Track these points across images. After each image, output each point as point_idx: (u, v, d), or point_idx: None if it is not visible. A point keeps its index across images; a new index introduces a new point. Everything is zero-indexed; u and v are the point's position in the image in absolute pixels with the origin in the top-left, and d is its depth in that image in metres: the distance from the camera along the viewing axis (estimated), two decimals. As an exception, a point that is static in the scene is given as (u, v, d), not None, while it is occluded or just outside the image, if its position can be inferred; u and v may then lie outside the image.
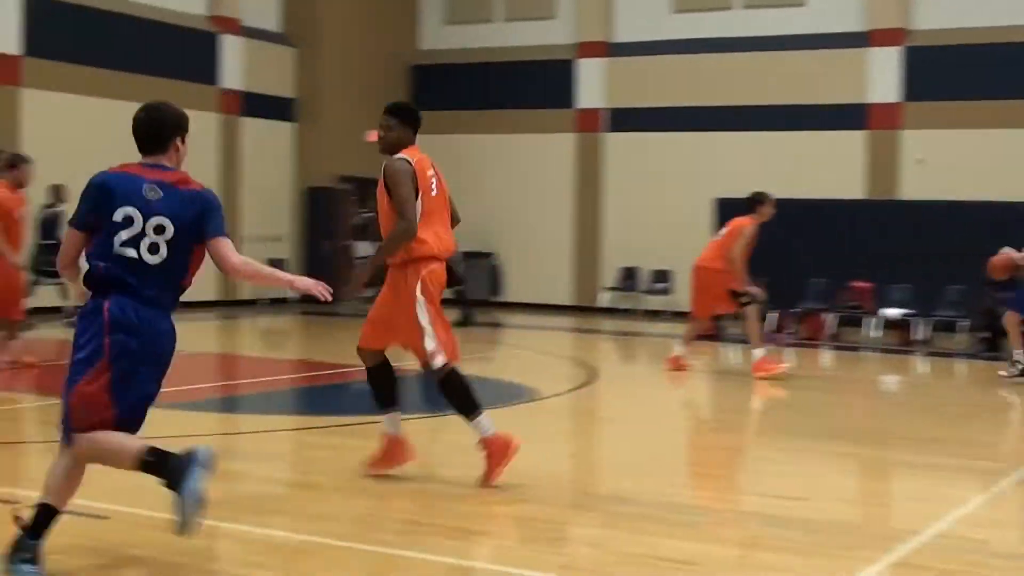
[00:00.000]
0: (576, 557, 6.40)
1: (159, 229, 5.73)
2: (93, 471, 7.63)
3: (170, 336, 5.88)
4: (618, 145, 25.43)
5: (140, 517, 6.74)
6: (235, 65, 24.35)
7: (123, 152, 22.14)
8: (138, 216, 5.72)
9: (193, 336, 19.17)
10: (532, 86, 26.34)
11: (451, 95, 27.13)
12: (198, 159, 23.00)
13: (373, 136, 28.31)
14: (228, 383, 14.22)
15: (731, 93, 24.36)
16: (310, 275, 24.46)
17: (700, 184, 23.34)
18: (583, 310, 25.06)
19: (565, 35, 26.34)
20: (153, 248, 5.73)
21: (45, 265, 17.50)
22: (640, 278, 24.78)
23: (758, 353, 14.25)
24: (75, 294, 6.42)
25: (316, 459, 8.97)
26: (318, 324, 21.51)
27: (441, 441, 10.02)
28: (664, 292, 24.28)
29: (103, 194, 5.82)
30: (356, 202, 26.61)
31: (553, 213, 25.97)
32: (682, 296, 24.11)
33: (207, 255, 5.96)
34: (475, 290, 25.56)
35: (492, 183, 26.25)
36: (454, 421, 10.78)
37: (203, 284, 23.41)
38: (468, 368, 12.53)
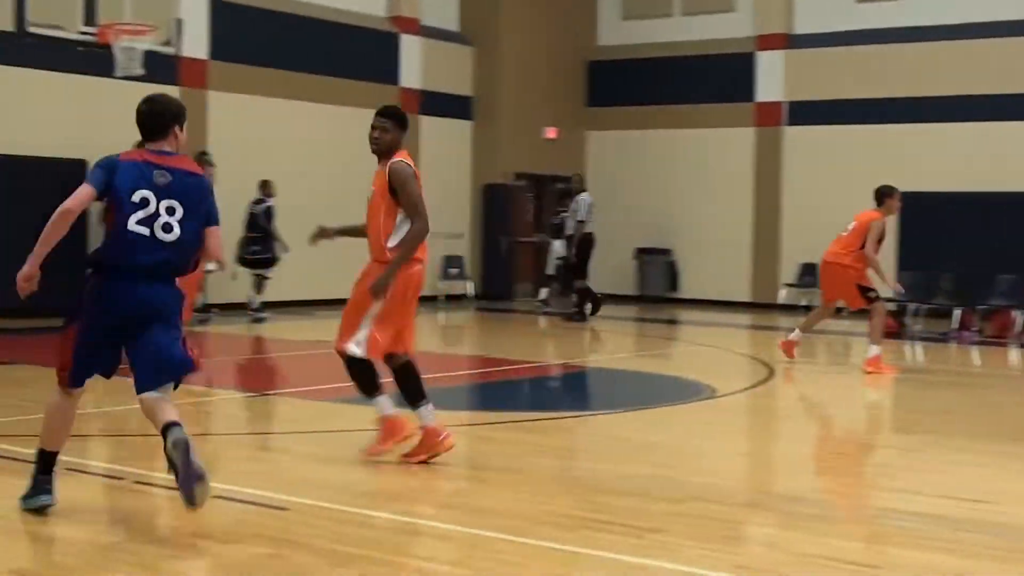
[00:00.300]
0: (752, 557, 6.31)
1: (171, 210, 6.46)
2: (272, 466, 7.79)
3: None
4: (798, 139, 25.04)
5: (317, 508, 6.86)
6: (414, 64, 24.65)
7: (303, 149, 22.79)
8: (152, 198, 6.44)
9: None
10: (710, 80, 26.09)
11: (629, 90, 27.05)
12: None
13: (551, 133, 28.67)
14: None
15: (916, 84, 23.76)
16: (487, 271, 24.66)
17: (882, 178, 22.66)
18: (761, 307, 24.74)
19: (744, 28, 26.02)
20: (167, 227, 6.46)
21: (248, 254, 19.36)
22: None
23: (874, 350, 14.03)
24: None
25: (490, 453, 9.02)
26: (494, 320, 21.65)
27: (612, 438, 9.99)
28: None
29: (111, 174, 6.52)
30: (533, 199, 26.74)
31: (731, 208, 25.69)
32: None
33: None
34: (652, 286, 25.46)
35: (669, 178, 26.10)
36: (627, 418, 10.75)
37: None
38: (646, 365, 12.53)
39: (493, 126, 25.80)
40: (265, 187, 19.87)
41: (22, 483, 6.76)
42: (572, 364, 15.36)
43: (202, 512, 6.68)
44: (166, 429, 6.31)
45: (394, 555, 6.20)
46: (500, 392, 13.22)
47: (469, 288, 24.44)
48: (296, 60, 22.19)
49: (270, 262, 19.79)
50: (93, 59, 16.40)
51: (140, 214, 6.41)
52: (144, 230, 6.40)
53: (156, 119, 6.78)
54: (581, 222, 20.52)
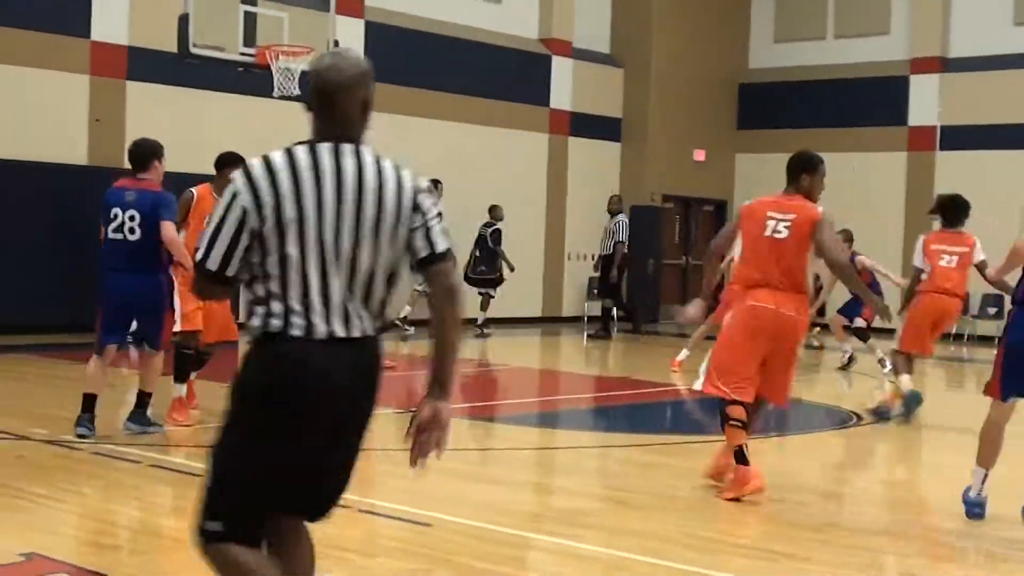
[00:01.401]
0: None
1: (132, 217, 9.10)
2: (417, 482, 7.99)
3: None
4: (951, 164, 24.61)
5: (459, 525, 6.99)
6: (565, 86, 24.81)
7: (456, 170, 22.91)
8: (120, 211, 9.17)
9: (516, 351, 19.63)
10: (863, 103, 25.78)
11: (779, 113, 26.86)
12: (529, 178, 23.64)
13: (700, 155, 28.50)
14: (547, 399, 14.51)
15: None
16: (633, 293, 24.40)
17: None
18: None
19: (898, 51, 25.69)
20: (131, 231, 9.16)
21: (474, 274, 20.98)
22: (972, 301, 23.87)
23: None
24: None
25: (631, 475, 9.08)
26: (637, 342, 21.66)
27: (754, 463, 9.97)
28: (997, 316, 23.33)
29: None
30: (680, 221, 26.70)
31: (882, 232, 25.33)
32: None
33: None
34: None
35: (821, 202, 25.80)
36: (771, 444, 10.72)
37: (529, 300, 23.77)
38: (794, 391, 12.40)
39: (642, 148, 25.83)
40: (494, 211, 21.41)
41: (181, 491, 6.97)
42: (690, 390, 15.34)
43: (347, 525, 6.87)
44: None
45: (535, 574, 6.31)
46: (643, 415, 13.25)
47: (615, 311, 24.47)
48: (449, 81, 22.49)
49: (495, 282, 21.25)
50: (253, 80, 16.85)
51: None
52: None
53: (140, 156, 9.70)
54: (621, 243, 21.26)
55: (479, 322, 20.95)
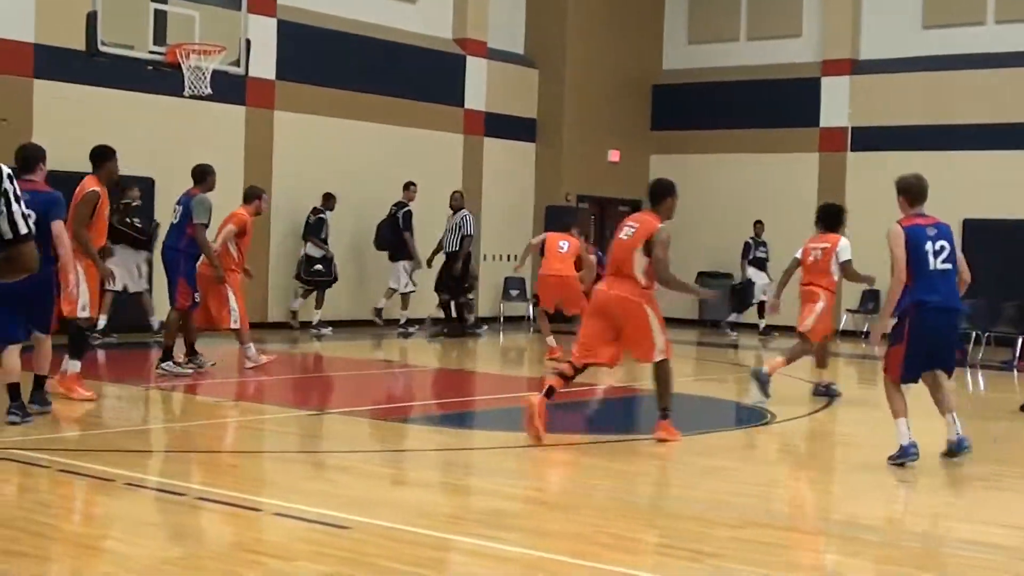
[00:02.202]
0: (810, 584, 6.29)
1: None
2: (334, 485, 7.88)
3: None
4: (862, 164, 24.90)
5: (377, 527, 6.90)
6: (479, 86, 24.77)
7: (368, 169, 22.79)
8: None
9: (431, 352, 19.55)
10: (775, 105, 26.01)
11: (693, 114, 27.03)
12: (442, 178, 23.56)
13: (615, 156, 28.56)
14: (464, 399, 14.44)
15: (982, 111, 23.59)
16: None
17: (945, 205, 22.47)
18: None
19: (810, 53, 25.96)
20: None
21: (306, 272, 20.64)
22: (882, 300, 24.14)
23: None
24: None
25: (551, 476, 9.04)
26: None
27: (672, 462, 9.98)
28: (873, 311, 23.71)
29: None
30: (594, 221, 26.74)
31: (794, 233, 25.54)
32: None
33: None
34: (714, 311, 25.40)
35: (733, 203, 26.03)
36: (687, 443, 10.74)
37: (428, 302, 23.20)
38: (707, 390, 12.48)
39: (557, 148, 25.87)
40: (327, 200, 20.83)
41: (91, 497, 6.83)
42: (633, 387, 15.34)
43: (263, 529, 6.77)
44: None
45: None
46: (561, 414, 13.21)
47: (529, 310, 24.44)
48: (363, 81, 22.35)
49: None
50: (163, 79, 16.62)
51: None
52: None
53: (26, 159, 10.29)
54: (469, 236, 20.83)
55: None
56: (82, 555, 6.33)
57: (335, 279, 20.69)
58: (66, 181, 12.46)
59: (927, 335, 9.50)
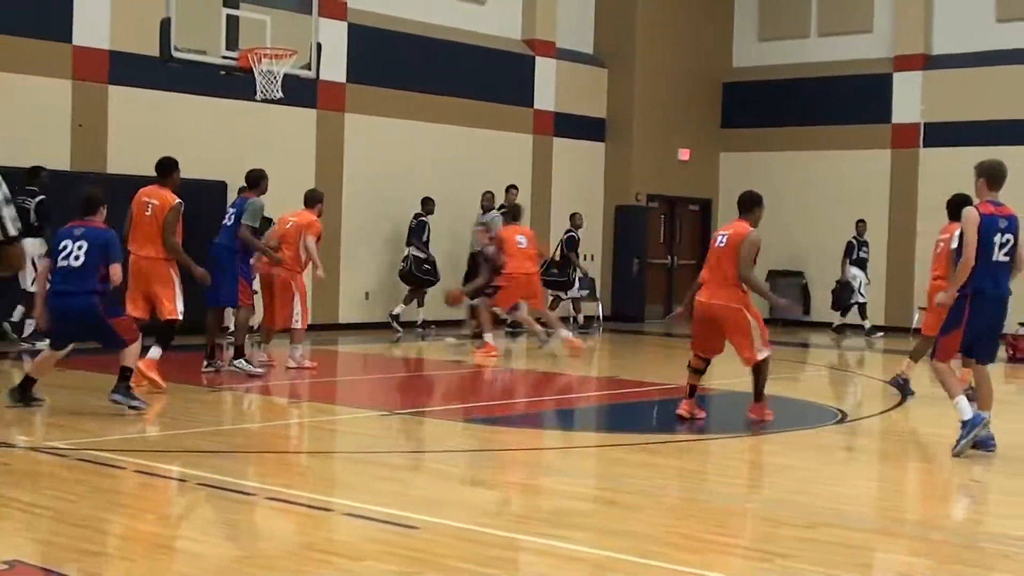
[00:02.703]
0: (880, 584, 6.26)
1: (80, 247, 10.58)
2: (403, 485, 7.93)
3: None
4: (934, 161, 24.65)
5: (446, 527, 6.95)
6: (549, 86, 24.79)
7: (437, 172, 22.81)
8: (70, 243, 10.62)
9: (507, 353, 19.59)
10: (846, 101, 25.81)
11: (763, 112, 26.90)
12: (514, 179, 23.60)
13: (685, 154, 28.41)
14: (537, 399, 14.47)
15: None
16: (618, 292, 24.48)
17: (1020, 199, 22.29)
18: (896, 330, 24.34)
19: (882, 48, 25.74)
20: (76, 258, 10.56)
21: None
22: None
23: None
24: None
25: (620, 475, 9.05)
26: (625, 342, 21.64)
27: (742, 462, 9.95)
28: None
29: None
30: (665, 220, 26.67)
31: (868, 229, 25.38)
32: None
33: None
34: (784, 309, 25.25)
35: (804, 200, 25.86)
36: (756, 442, 10.70)
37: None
38: (777, 389, 12.41)
39: (626, 147, 25.83)
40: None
41: (165, 497, 6.92)
42: (703, 387, 15.32)
43: (333, 529, 6.84)
44: None
45: (521, 575, 6.27)
46: (631, 414, 13.23)
47: (599, 310, 24.41)
48: (432, 83, 22.46)
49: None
50: (235, 83, 16.80)
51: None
52: None
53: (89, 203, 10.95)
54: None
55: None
56: (155, 555, 6.43)
57: (438, 280, 21.07)
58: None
59: (983, 322, 9.82)
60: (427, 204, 21.11)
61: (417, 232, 20.91)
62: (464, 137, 22.89)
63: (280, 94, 15.36)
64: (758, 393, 11.25)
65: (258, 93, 15.41)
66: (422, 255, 20.87)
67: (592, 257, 25.13)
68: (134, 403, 10.80)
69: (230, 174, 18.55)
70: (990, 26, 24.52)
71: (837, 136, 25.87)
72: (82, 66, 17.96)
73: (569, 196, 24.84)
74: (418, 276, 20.87)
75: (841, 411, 12.51)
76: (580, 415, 13.22)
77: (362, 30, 21.32)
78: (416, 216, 20.97)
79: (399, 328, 20.47)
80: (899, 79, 25.29)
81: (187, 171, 13.59)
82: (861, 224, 23.86)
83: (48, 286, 10.64)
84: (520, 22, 24.56)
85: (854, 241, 23.80)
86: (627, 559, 6.44)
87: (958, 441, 9.67)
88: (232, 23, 15.18)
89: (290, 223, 14.88)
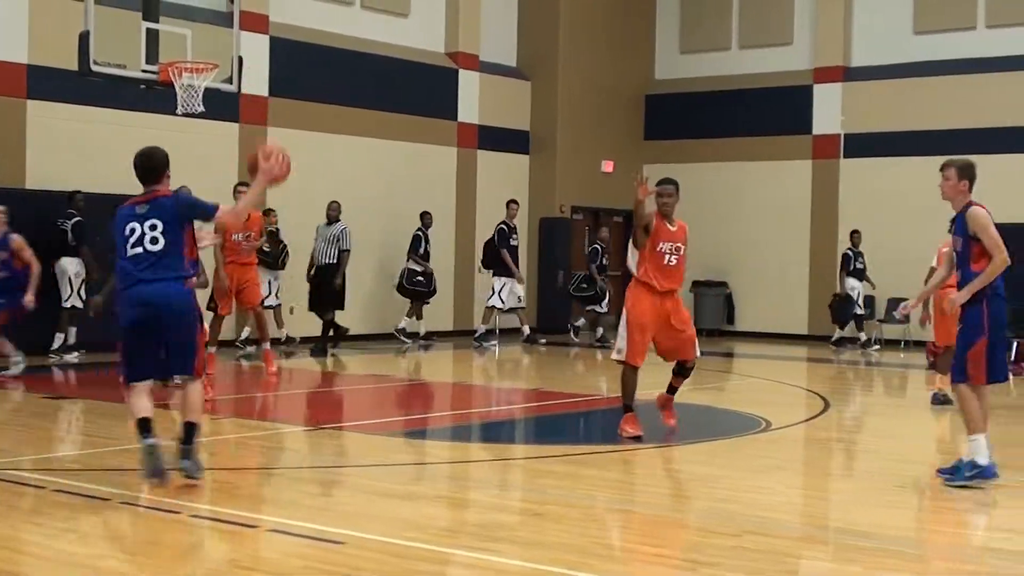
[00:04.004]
0: (805, 591, 6.29)
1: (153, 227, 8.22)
2: (329, 500, 7.87)
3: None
4: (855, 171, 24.96)
5: (372, 542, 6.91)
6: (472, 99, 24.80)
7: (362, 184, 22.76)
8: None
9: (427, 365, 19.57)
10: (768, 113, 26.07)
11: (686, 124, 27.09)
12: (437, 191, 23.62)
13: (609, 166, 28.62)
14: (461, 411, 14.45)
15: (973, 115, 23.65)
16: (544, 304, 24.41)
17: (939, 209, 22.58)
18: (818, 339, 24.60)
19: (802, 61, 26.02)
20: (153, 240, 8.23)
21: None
22: (877, 306, 24.18)
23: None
24: None
25: (545, 487, 9.04)
26: (550, 354, 21.65)
27: (666, 471, 9.99)
28: (902, 320, 23.64)
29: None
30: (589, 231, 26.76)
31: (788, 241, 25.64)
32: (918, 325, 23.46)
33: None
34: (708, 319, 25.46)
35: (726, 211, 26.07)
36: (682, 452, 10.75)
37: (440, 313, 23.56)
38: (701, 398, 12.49)
39: (550, 160, 25.90)
40: (424, 218, 22.27)
41: (86, 517, 6.82)
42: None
43: (255, 545, 6.77)
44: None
45: (449, 588, 6.24)
46: (556, 425, 13.24)
47: (520, 324, 24.41)
48: (355, 96, 22.40)
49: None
50: (156, 97, 16.65)
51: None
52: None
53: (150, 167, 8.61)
54: (347, 251, 19.71)
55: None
56: (75, 575, 6.33)
57: (434, 292, 22.11)
58: (58, 201, 12.54)
59: (1000, 327, 9.10)
60: (425, 218, 22.02)
61: (414, 246, 21.81)
62: (388, 150, 22.84)
63: (201, 108, 15.24)
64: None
65: (179, 107, 15.28)
66: (418, 268, 21.78)
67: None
68: (200, 474, 8.51)
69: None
70: (908, 38, 24.89)
71: (759, 147, 26.11)
72: (0, 81, 17.72)
73: (494, 209, 24.84)
74: (410, 289, 21.78)
75: (765, 420, 12.59)
76: (506, 427, 13.21)
77: (284, 43, 21.21)
78: (416, 230, 21.86)
79: (406, 339, 21.61)
80: (819, 91, 25.58)
81: (106, 186, 13.47)
82: (856, 235, 23.56)
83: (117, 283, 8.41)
84: (443, 35, 24.57)
85: (850, 252, 23.53)
86: (555, 571, 6.43)
87: (954, 475, 9.01)
88: (152, 36, 15.04)
89: None
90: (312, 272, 20.05)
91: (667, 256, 11.01)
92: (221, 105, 17.32)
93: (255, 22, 20.01)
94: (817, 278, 25.30)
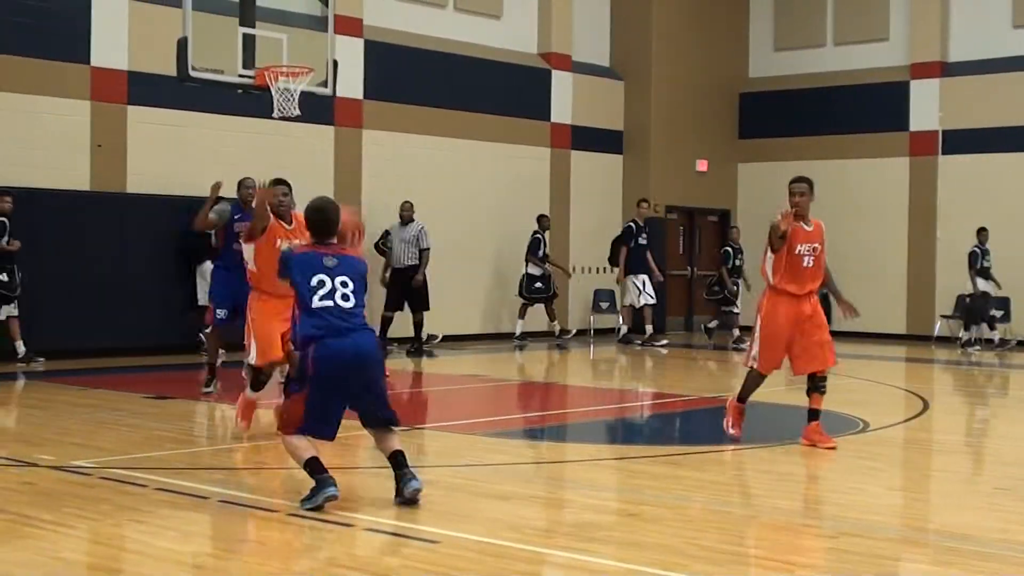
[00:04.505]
0: (904, 593, 6.23)
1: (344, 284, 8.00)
2: (424, 499, 7.90)
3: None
4: (953, 168, 24.61)
5: (468, 541, 6.94)
6: (565, 100, 24.81)
7: (456, 185, 22.83)
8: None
9: (525, 365, 19.59)
10: (864, 110, 25.78)
11: (780, 122, 26.88)
12: (530, 192, 23.66)
13: (703, 165, 28.52)
14: (557, 412, 14.46)
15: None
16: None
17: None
18: (917, 339, 24.28)
19: (898, 56, 25.70)
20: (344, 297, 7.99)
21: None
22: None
23: None
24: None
25: (642, 488, 9.03)
26: (642, 355, 21.60)
27: (762, 472, 9.92)
28: (1004, 319, 23.26)
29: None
30: (684, 231, 26.66)
31: (886, 238, 25.33)
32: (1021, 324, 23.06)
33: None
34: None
35: (822, 209, 25.69)
36: (779, 453, 10.67)
37: (537, 313, 23.46)
38: (798, 399, 12.38)
39: (644, 160, 25.83)
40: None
41: (186, 515, 6.93)
42: (724, 398, 15.27)
43: (352, 544, 6.84)
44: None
45: (544, 588, 6.26)
46: (652, 426, 13.20)
47: (620, 322, 24.39)
48: (449, 97, 22.51)
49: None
50: (253, 101, 16.85)
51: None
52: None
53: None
54: (427, 249, 19.65)
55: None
56: (178, 574, 6.43)
57: (555, 294, 22.44)
58: (160, 204, 12.72)
59: None
60: (542, 221, 22.29)
61: (532, 248, 22.06)
62: (483, 151, 22.93)
63: (297, 112, 15.38)
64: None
65: (275, 111, 15.43)
66: (536, 272, 22.06)
67: (598, 270, 25.17)
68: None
69: (248, 192, 18.62)
70: (1006, 32, 24.49)
71: (855, 145, 25.83)
72: (100, 87, 18.04)
73: (588, 209, 24.85)
74: (529, 296, 22.15)
75: (863, 420, 12.46)
76: (603, 427, 13.20)
77: (378, 46, 21.38)
78: (533, 233, 22.08)
79: (519, 339, 22.08)
80: (916, 86, 25.25)
81: (204, 190, 13.60)
82: (983, 232, 22.71)
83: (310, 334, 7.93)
84: (536, 36, 24.61)
85: (977, 250, 22.61)
86: (653, 572, 6.42)
87: None
88: (248, 42, 15.20)
89: None
90: (389, 274, 20.07)
91: (805, 258, 10.83)
92: (317, 109, 17.49)
93: (350, 26, 20.20)
94: (915, 277, 24.97)
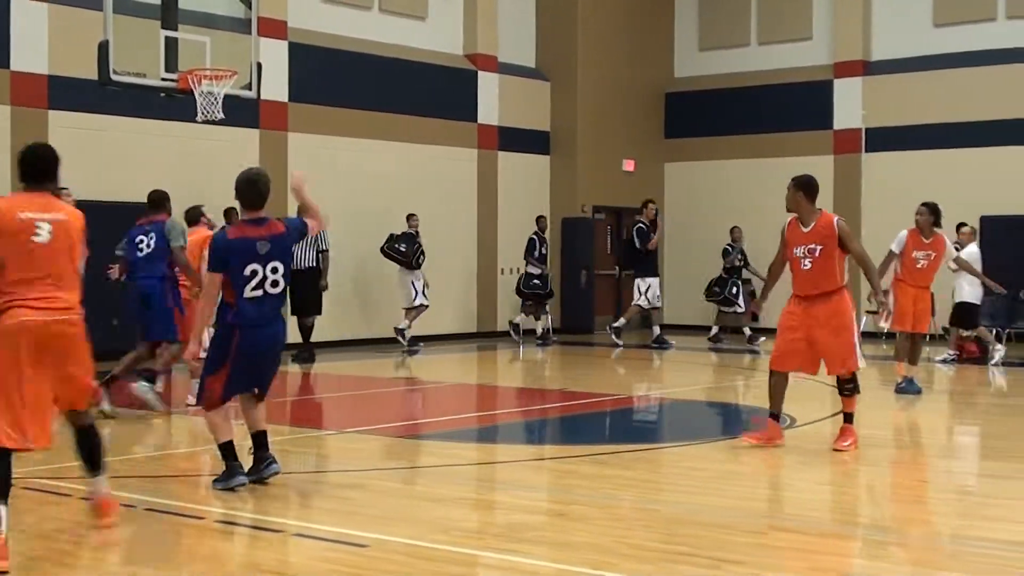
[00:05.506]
0: (832, 588, 6.27)
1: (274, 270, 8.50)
2: (354, 503, 7.86)
3: None
4: (877, 165, 24.87)
5: (397, 544, 6.91)
6: (492, 101, 24.81)
7: (383, 187, 22.66)
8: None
9: (452, 367, 19.56)
10: (788, 109, 26.00)
11: (706, 121, 27.03)
12: (457, 193, 23.63)
13: (629, 165, 28.53)
14: (483, 413, 14.45)
15: (995, 107, 23.53)
16: (567, 304, 24.49)
17: (963, 202, 22.52)
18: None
19: (821, 55, 25.94)
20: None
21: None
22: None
23: None
24: None
25: (571, 487, 9.04)
26: (573, 354, 21.66)
27: (691, 469, 9.97)
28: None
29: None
30: (611, 231, 26.75)
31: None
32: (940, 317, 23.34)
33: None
34: (730, 316, 25.37)
35: (748, 208, 25.99)
36: (705, 450, 10.72)
37: (464, 315, 23.57)
38: (724, 396, 12.47)
39: (571, 160, 25.88)
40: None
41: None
42: (650, 396, 15.33)
43: (280, 549, 6.78)
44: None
45: (474, 590, 6.24)
46: (580, 425, 13.22)
47: (548, 322, 24.41)
48: (374, 100, 22.42)
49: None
50: (176, 105, 16.70)
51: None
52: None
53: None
54: (325, 251, 19.24)
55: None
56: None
57: (551, 293, 23.07)
58: (81, 209, 12.42)
59: None
60: (540, 221, 23.07)
61: (530, 248, 22.81)
62: (409, 153, 22.86)
63: (221, 115, 15.26)
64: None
65: (199, 115, 15.31)
66: (535, 271, 22.74)
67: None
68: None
69: (172, 195, 18.43)
70: (928, 31, 24.78)
71: (780, 143, 26.02)
72: (20, 92, 17.79)
73: (516, 210, 24.85)
74: (528, 292, 22.75)
75: (790, 416, 12.54)
76: (531, 427, 13.20)
77: (303, 48, 21.25)
78: (532, 234, 22.81)
79: (518, 337, 22.71)
80: (839, 85, 25.50)
81: (128, 195, 13.50)
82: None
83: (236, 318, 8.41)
84: (462, 37, 24.58)
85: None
86: (580, 571, 6.43)
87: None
88: (171, 45, 15.06)
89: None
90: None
91: (802, 260, 10.67)
92: (241, 112, 17.36)
93: (274, 28, 20.07)
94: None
